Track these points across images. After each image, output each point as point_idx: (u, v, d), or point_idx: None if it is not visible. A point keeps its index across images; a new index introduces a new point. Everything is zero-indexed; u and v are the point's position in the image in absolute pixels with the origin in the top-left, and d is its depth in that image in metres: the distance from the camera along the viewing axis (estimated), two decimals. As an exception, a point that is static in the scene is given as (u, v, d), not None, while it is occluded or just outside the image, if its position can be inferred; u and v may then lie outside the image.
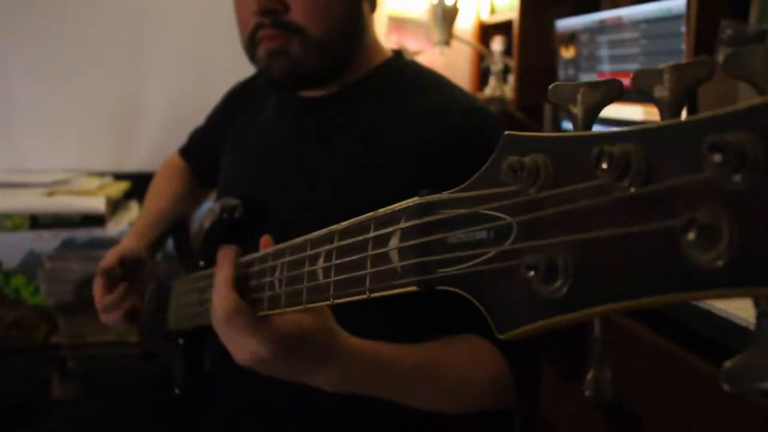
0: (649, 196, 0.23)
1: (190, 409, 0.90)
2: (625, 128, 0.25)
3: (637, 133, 0.24)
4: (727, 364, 0.22)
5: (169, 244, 1.09)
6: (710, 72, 0.24)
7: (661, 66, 0.25)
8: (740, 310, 0.84)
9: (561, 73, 1.85)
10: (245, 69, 0.98)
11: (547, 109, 1.97)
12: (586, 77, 1.73)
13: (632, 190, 0.24)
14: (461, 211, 0.31)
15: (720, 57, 1.28)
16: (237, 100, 1.04)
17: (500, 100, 2.01)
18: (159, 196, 1.12)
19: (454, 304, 0.70)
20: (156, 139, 1.94)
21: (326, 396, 0.60)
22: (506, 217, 0.29)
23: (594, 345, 0.27)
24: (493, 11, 2.19)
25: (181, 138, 1.20)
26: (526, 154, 0.28)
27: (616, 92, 0.28)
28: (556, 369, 1.45)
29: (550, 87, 0.29)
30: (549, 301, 0.27)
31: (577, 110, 0.28)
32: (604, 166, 0.24)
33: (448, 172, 0.75)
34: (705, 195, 0.22)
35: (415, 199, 0.36)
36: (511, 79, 2.01)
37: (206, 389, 0.90)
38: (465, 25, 2.18)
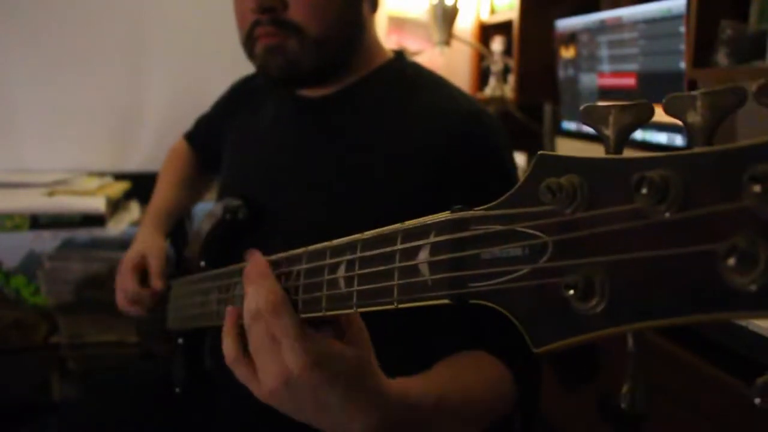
0: (685, 222, 0.24)
1: (190, 409, 0.90)
2: (662, 154, 0.26)
3: (675, 159, 0.25)
4: (761, 380, 0.24)
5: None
6: (743, 99, 0.25)
7: (695, 92, 0.26)
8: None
9: (561, 73, 1.86)
10: (245, 69, 0.98)
11: (547, 109, 1.98)
12: (586, 77, 1.75)
13: (667, 215, 0.25)
14: (496, 228, 0.32)
15: (720, 57, 1.29)
16: (239, 96, 1.04)
17: (500, 100, 2.02)
18: (170, 183, 1.13)
19: (452, 321, 0.69)
20: (156, 139, 1.95)
21: None
22: (542, 235, 0.30)
23: (629, 358, 0.28)
24: (493, 11, 2.20)
25: (181, 138, 1.20)
26: (562, 174, 0.29)
27: (647, 115, 0.29)
28: (555, 369, 1.47)
29: (582, 108, 0.30)
30: (585, 318, 0.28)
31: (609, 132, 0.29)
32: (644, 191, 0.25)
33: (447, 174, 0.75)
34: (741, 222, 0.23)
35: (447, 214, 0.37)
36: (511, 79, 2.02)
37: (206, 389, 0.90)
38: (465, 25, 2.19)
